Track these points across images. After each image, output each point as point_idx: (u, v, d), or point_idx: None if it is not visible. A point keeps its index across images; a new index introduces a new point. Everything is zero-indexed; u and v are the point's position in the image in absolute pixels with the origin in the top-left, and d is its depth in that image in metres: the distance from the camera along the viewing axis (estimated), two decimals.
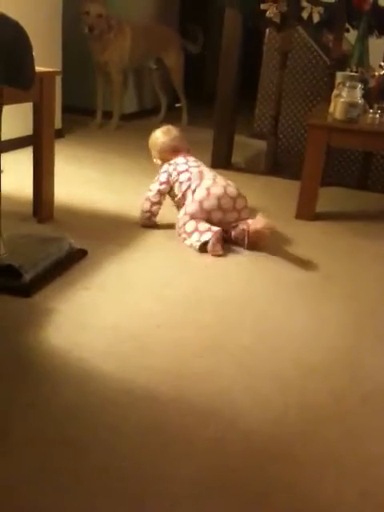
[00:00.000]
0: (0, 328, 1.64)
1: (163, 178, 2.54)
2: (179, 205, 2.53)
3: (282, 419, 1.37)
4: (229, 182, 2.49)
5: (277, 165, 3.71)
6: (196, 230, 2.33)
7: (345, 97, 2.67)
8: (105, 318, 1.74)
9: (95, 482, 1.15)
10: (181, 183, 2.49)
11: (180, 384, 1.46)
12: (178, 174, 2.51)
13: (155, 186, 2.54)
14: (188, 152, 2.67)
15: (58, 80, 2.50)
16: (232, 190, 2.43)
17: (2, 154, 1.91)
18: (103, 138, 4.26)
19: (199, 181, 2.46)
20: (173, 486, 1.15)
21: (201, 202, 2.38)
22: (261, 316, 1.86)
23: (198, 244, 2.30)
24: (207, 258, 2.27)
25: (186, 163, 2.55)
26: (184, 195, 2.48)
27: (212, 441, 1.29)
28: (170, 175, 2.53)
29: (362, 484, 1.20)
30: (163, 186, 2.53)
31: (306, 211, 2.78)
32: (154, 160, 2.72)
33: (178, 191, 2.51)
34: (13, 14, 1.56)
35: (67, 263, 2.06)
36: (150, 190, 2.54)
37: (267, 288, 2.07)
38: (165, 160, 2.62)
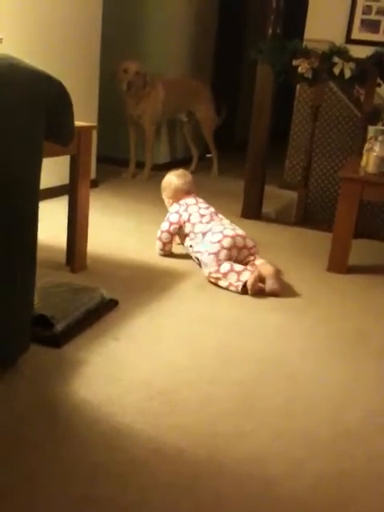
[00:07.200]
0: (30, 379, 1.64)
1: (174, 218, 2.74)
2: (183, 238, 2.74)
3: (317, 486, 1.32)
4: (234, 225, 2.68)
5: (307, 216, 3.71)
6: (232, 270, 2.39)
7: (377, 151, 2.68)
8: (135, 372, 1.73)
9: None
10: (193, 225, 2.67)
11: (211, 444, 1.43)
12: (190, 215, 2.70)
13: (166, 226, 2.74)
14: (196, 194, 2.86)
15: (94, 132, 2.57)
16: (240, 231, 2.62)
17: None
18: (136, 187, 4.33)
19: (213, 223, 2.64)
20: None
21: (220, 241, 2.51)
22: (294, 373, 1.82)
23: (240, 284, 2.36)
24: (237, 310, 2.25)
25: (196, 204, 2.76)
26: (196, 234, 2.65)
27: (244, 507, 1.24)
28: (180, 216, 2.72)
29: None
30: (173, 227, 2.73)
31: (338, 264, 2.75)
32: (165, 200, 2.92)
33: (188, 230, 2.69)
34: (56, 73, 1.61)
35: (98, 313, 2.06)
36: (162, 231, 2.74)
37: (299, 343, 2.04)
38: (176, 200, 2.82)
